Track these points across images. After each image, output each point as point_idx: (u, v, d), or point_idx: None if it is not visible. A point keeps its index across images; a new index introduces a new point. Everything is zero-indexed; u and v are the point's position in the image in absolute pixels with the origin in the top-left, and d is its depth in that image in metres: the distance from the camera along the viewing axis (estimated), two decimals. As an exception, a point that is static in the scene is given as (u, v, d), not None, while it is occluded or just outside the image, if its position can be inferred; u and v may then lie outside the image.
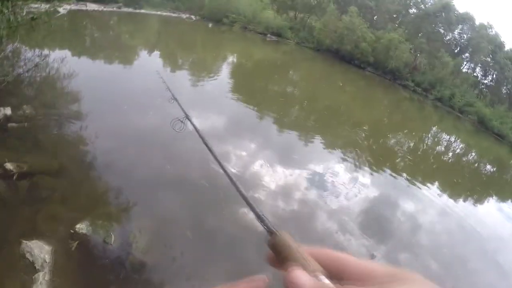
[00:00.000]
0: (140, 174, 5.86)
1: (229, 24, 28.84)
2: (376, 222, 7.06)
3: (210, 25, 27.61)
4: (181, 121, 1.23)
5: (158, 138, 7.18)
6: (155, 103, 8.43)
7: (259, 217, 0.48)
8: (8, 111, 6.33)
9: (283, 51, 27.24)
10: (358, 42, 29.99)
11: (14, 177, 4.78)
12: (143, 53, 16.05)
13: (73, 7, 20.03)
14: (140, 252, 4.08)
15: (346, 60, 30.49)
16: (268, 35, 29.07)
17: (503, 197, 14.28)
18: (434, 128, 23.04)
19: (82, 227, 4.09)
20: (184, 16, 27.52)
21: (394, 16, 37.34)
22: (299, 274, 0.34)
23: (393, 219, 7.61)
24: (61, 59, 10.18)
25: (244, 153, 7.90)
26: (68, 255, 3.75)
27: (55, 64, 9.84)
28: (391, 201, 8.43)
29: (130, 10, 24.77)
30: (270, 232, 0.44)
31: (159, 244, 4.35)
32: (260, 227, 0.46)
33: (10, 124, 6.10)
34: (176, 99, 1.46)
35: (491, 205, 12.04)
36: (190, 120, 1.18)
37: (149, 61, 14.81)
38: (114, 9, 23.84)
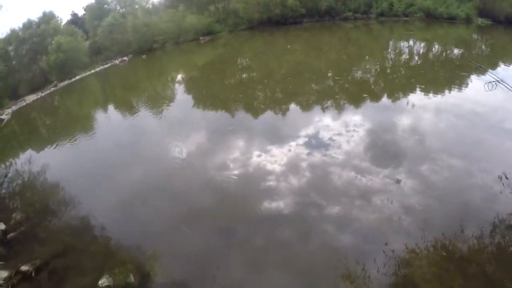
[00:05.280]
0: (130, 224, 6.47)
1: (161, 47, 29.04)
2: (384, 150, 7.33)
3: (144, 56, 27.75)
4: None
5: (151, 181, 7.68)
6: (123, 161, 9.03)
7: None
8: (1, 226, 6.89)
9: (221, 44, 27.52)
10: (284, 2, 30.27)
11: (33, 274, 5.37)
12: (99, 115, 15.66)
13: (14, 107, 20.02)
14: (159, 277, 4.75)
15: (281, 23, 30.76)
16: (200, 38, 29.31)
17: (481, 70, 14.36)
18: (390, 42, 23.34)
19: (103, 281, 4.71)
20: (117, 61, 27.65)
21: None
22: None
23: (397, 140, 7.84)
24: (27, 160, 10.52)
25: (237, 154, 8.07)
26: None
27: (25, 167, 10.06)
28: (387, 125, 8.62)
29: (66, 82, 24.87)
30: None
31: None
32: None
33: (9, 235, 6.69)
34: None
35: (476, 81, 11.34)
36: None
37: (107, 118, 14.64)
38: (52, 89, 23.95)
